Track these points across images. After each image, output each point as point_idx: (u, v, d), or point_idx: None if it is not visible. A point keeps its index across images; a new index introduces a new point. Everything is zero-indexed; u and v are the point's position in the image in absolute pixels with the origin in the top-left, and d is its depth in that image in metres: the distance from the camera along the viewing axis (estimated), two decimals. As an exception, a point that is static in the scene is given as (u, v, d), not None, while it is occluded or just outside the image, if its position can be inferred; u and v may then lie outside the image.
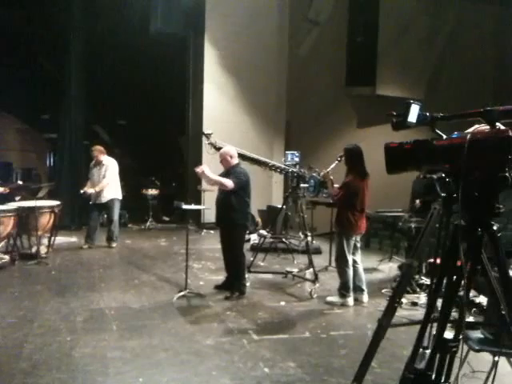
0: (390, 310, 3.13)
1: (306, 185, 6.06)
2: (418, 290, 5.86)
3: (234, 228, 5.68)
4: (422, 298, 5.58)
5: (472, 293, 5.48)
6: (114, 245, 8.63)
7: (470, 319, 4.84)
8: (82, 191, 8.45)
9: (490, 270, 2.63)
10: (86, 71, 10.72)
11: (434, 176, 6.63)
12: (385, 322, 3.12)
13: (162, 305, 5.46)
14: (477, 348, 3.24)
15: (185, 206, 5.56)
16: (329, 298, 5.70)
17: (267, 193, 11.14)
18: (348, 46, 13.52)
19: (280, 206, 7.47)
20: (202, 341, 4.41)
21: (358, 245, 5.75)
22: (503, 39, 14.57)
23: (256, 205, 9.84)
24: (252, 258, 6.66)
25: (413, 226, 6.61)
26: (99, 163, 8.56)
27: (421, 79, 13.93)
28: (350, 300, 5.59)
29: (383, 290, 6.20)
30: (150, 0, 10.70)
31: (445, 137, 1.86)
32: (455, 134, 1.83)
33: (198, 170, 5.64)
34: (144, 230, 10.80)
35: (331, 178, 5.67)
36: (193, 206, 5.73)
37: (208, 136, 6.66)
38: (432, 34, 13.76)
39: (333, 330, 4.80)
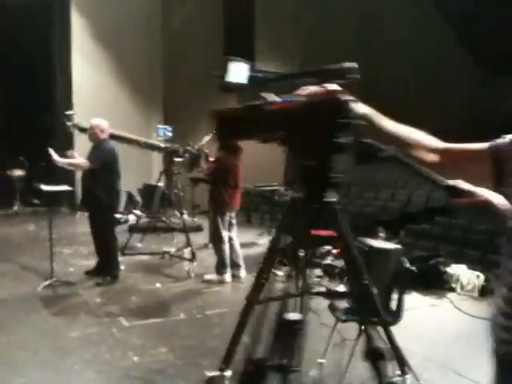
0: (258, 285, 3.06)
1: (179, 159, 5.81)
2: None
3: (99, 209, 5.32)
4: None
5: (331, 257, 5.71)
6: (-27, 233, 7.82)
7: (340, 288, 5.00)
8: None
9: (351, 239, 2.63)
10: None
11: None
12: (253, 298, 3.04)
13: (26, 296, 5.01)
14: (343, 318, 3.30)
15: (44, 187, 5.11)
16: (206, 276, 5.60)
17: (147, 170, 10.71)
18: (225, 19, 13.29)
19: (155, 184, 7.17)
20: (67, 334, 4.09)
21: (234, 221, 5.68)
22: (366, 11, 15.10)
23: (136, 183, 9.43)
24: (126, 240, 6.33)
25: (288, 199, 6.68)
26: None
27: (294, 54, 14.10)
28: (228, 276, 5.53)
29: (261, 264, 6.22)
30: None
31: (278, 100, 1.72)
32: (288, 98, 1.69)
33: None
34: (10, 215, 9.93)
35: (206, 151, 5.51)
36: (53, 187, 5.27)
37: (69, 117, 6.05)
38: (300, 10, 13.90)
39: (208, 309, 4.72)
